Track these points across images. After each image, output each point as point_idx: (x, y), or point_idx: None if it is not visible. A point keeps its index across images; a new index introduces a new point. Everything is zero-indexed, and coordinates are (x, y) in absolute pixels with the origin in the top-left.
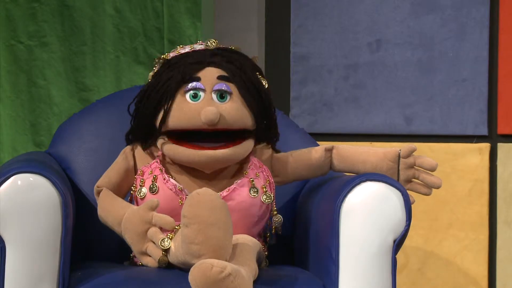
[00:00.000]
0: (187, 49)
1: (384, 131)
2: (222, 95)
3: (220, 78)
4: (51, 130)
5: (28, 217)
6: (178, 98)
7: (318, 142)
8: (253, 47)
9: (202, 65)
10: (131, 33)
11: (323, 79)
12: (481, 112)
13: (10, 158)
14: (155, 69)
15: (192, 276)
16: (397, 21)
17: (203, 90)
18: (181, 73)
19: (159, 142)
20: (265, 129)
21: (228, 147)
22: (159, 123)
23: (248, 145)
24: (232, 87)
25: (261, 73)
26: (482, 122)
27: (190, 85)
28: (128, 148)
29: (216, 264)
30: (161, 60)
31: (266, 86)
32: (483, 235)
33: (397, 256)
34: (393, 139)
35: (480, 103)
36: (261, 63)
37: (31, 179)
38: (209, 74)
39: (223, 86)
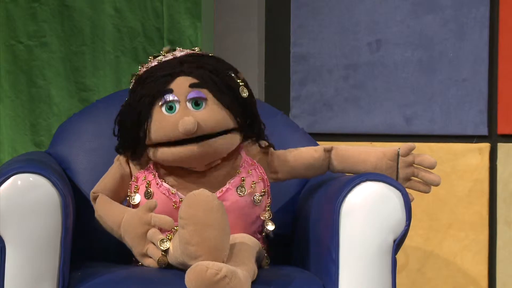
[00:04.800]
0: (155, 62)
1: (384, 131)
2: (196, 102)
3: (192, 86)
4: (51, 130)
5: (28, 217)
6: (156, 113)
7: (318, 142)
8: (253, 47)
9: (172, 77)
10: (131, 33)
11: (323, 79)
12: (481, 112)
13: (10, 158)
14: (131, 86)
15: (188, 278)
16: (397, 21)
17: (177, 102)
18: (153, 88)
19: (149, 152)
20: (250, 125)
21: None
22: (144, 136)
23: (233, 137)
24: (205, 93)
25: (234, 71)
26: (482, 122)
27: (163, 99)
28: (122, 155)
29: (211, 266)
30: (134, 77)
31: (243, 83)
32: (483, 235)
33: (397, 256)
34: (393, 139)
35: (480, 103)
36: (261, 63)
37: (31, 179)
38: (181, 84)
39: (196, 93)
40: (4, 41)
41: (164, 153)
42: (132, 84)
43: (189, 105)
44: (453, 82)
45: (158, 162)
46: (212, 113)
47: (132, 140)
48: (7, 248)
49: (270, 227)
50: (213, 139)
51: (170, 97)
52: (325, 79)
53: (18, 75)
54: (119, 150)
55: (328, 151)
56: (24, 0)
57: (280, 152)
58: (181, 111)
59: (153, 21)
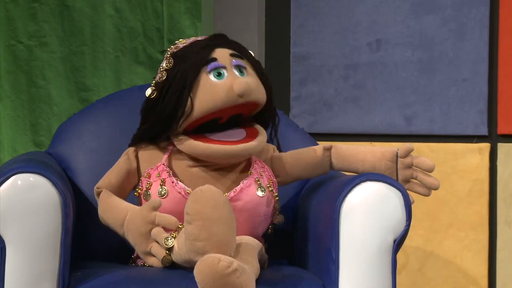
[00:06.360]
0: (182, 44)
1: (384, 131)
2: (240, 69)
3: (233, 55)
4: (51, 130)
5: (28, 217)
6: (203, 81)
7: (318, 142)
8: (253, 47)
9: (211, 47)
10: (131, 33)
11: (323, 79)
12: (481, 112)
13: (10, 158)
14: (169, 65)
15: (198, 270)
16: (397, 21)
17: (224, 68)
18: (196, 58)
19: (177, 140)
20: (266, 108)
21: (247, 141)
22: (186, 113)
23: (263, 137)
24: (244, 63)
25: None
26: (482, 122)
27: (211, 65)
28: (131, 149)
29: (223, 259)
30: (168, 56)
31: None
32: (483, 235)
33: (397, 256)
34: (393, 139)
35: (480, 103)
36: (261, 63)
37: (31, 179)
38: (222, 53)
39: (239, 61)
40: (4, 41)
41: (218, 149)
42: (165, 63)
43: (235, 71)
44: (453, 82)
45: (179, 154)
46: (256, 80)
47: (167, 120)
48: (7, 248)
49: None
50: (262, 136)
51: (218, 64)
52: (325, 79)
53: (18, 75)
54: (139, 136)
55: (328, 149)
56: (24, 0)
57: (279, 154)
58: (231, 76)
59: (153, 21)
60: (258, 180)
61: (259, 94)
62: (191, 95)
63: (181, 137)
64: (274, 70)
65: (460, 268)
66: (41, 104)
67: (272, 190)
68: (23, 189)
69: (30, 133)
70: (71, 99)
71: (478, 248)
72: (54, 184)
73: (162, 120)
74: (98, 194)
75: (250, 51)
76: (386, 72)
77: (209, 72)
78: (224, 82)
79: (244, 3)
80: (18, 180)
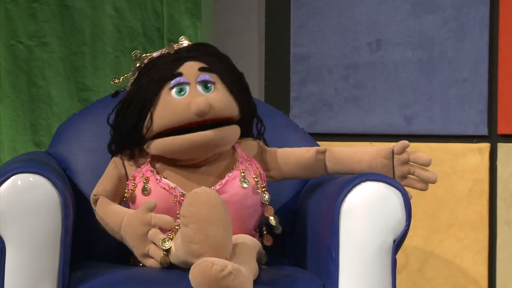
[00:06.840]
0: (157, 54)
1: (384, 131)
2: (206, 85)
3: (202, 69)
4: (51, 130)
5: (28, 217)
6: (163, 97)
7: (318, 142)
8: (253, 47)
9: (180, 61)
10: (131, 33)
11: (323, 79)
12: (481, 112)
13: (10, 158)
14: (133, 77)
15: (193, 274)
16: (397, 21)
17: (188, 84)
18: (161, 73)
19: (147, 145)
20: (249, 118)
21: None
22: (146, 127)
23: (235, 128)
24: (214, 77)
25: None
26: (482, 122)
27: (173, 81)
28: (117, 157)
29: (217, 262)
30: (136, 68)
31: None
32: (483, 235)
33: (397, 256)
34: (393, 139)
35: (480, 103)
36: (261, 63)
37: (31, 179)
38: (190, 68)
39: (206, 76)
40: (4, 41)
41: (174, 141)
42: (133, 77)
43: (199, 87)
44: (453, 82)
45: (158, 155)
46: (222, 96)
47: (132, 132)
48: (7, 248)
49: (273, 221)
50: (227, 127)
51: (181, 80)
52: (325, 79)
53: (18, 75)
54: (114, 150)
55: (322, 152)
56: (24, 0)
57: (272, 149)
58: (192, 93)
59: (153, 21)
60: (243, 172)
61: (224, 110)
62: (152, 110)
63: (150, 141)
64: (274, 70)
65: (460, 268)
66: (41, 104)
67: (258, 180)
68: (23, 189)
69: (30, 133)
70: (71, 99)
71: (478, 248)
72: (54, 184)
73: (127, 132)
74: (95, 201)
75: (226, 63)
76: (386, 72)
77: (172, 88)
78: (183, 100)
79: (244, 3)
80: (18, 180)
